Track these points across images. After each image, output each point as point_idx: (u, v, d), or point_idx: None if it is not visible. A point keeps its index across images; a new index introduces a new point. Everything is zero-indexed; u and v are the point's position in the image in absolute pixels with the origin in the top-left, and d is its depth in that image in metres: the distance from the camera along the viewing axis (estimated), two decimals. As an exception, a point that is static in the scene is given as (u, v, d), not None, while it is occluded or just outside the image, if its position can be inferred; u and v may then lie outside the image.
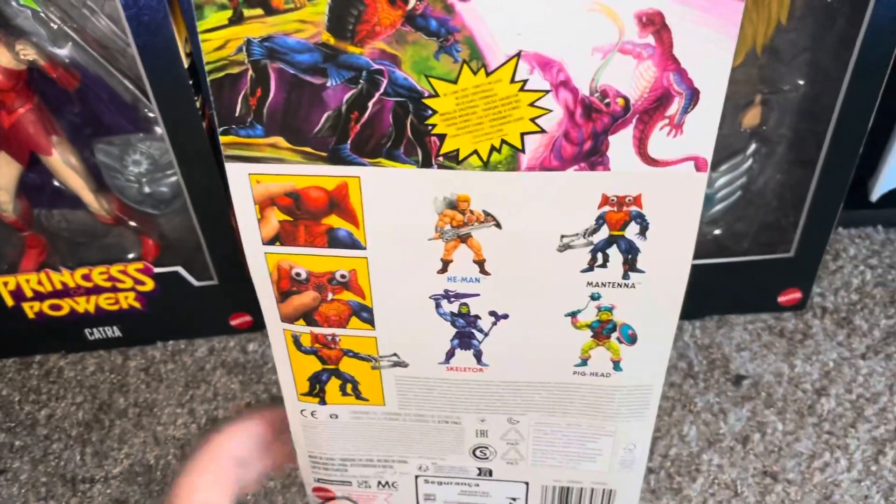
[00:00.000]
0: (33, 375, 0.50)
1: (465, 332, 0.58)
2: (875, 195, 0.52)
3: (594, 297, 0.55)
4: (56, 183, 0.46)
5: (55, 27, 0.40)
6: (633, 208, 0.50)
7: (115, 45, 0.45)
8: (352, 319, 0.58)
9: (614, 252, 0.53)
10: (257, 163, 0.50)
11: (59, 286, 0.46)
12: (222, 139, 0.49)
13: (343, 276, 0.55)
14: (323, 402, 0.65)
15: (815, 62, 0.42)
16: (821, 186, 0.46)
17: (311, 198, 0.52)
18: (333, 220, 0.53)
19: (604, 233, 0.52)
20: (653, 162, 0.48)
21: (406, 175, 0.50)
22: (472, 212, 0.51)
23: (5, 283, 0.46)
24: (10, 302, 0.46)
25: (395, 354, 0.60)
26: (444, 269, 0.54)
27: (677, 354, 0.41)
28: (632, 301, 0.55)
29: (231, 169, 0.50)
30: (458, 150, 0.48)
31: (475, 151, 0.48)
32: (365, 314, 0.57)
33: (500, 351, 0.59)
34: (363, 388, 0.63)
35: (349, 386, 0.63)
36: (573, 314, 0.56)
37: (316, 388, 0.63)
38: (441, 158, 0.49)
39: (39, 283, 0.46)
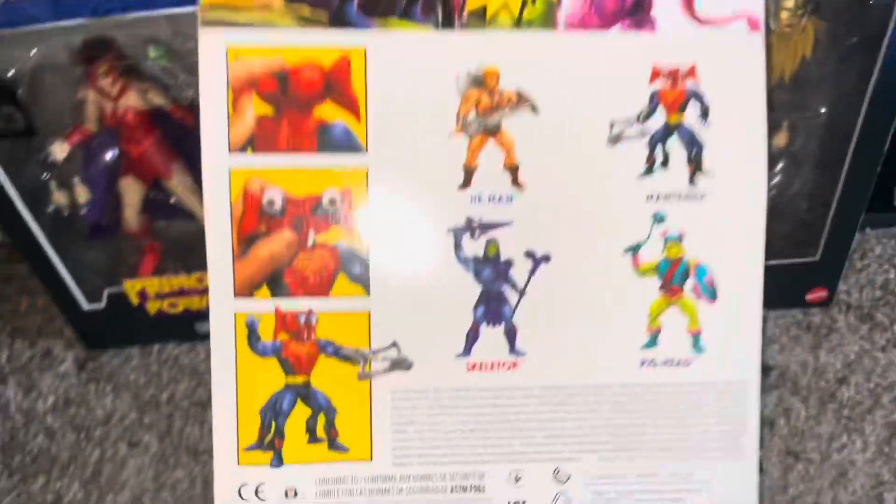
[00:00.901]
0: (154, 362, 0.54)
1: (494, 293, 0.43)
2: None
3: (658, 219, 0.43)
4: (173, 200, 0.52)
5: (180, 78, 0.47)
6: (689, 83, 0.43)
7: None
8: (338, 279, 0.42)
9: (675, 146, 0.43)
10: (240, 28, 0.41)
11: (177, 288, 0.52)
12: (202, 0, 0.41)
13: (332, 202, 0.42)
14: (278, 460, 0.43)
15: (837, 89, 0.47)
16: (844, 198, 0.50)
17: (303, 80, 0.42)
18: (328, 111, 0.42)
19: (660, 118, 0.43)
20: (702, 21, 0.43)
21: (422, 41, 0.42)
22: (501, 92, 0.42)
23: (133, 286, 0.52)
24: (135, 301, 0.51)
25: (394, 345, 0.43)
26: (467, 182, 0.42)
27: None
28: (703, 222, 0.43)
29: (205, 38, 0.41)
30: (485, 7, 0.42)
31: (505, 5, 0.42)
32: (356, 269, 0.42)
33: (541, 326, 0.43)
34: (342, 425, 0.43)
35: (321, 421, 0.43)
36: (634, 250, 0.43)
37: (270, 429, 0.43)
38: (465, 17, 0.42)
39: (161, 285, 0.52)
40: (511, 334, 0.43)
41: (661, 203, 0.43)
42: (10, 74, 0.46)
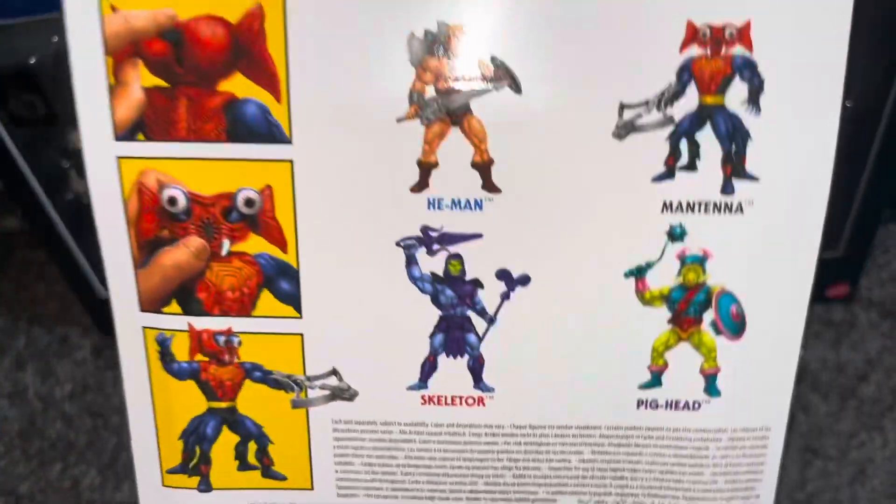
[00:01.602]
0: None
1: (456, 320, 0.34)
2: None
3: (674, 235, 0.32)
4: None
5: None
6: (738, 49, 0.30)
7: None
8: (262, 294, 0.34)
9: (708, 140, 0.31)
10: (115, -30, 0.30)
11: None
12: (59, -75, 0.29)
13: (250, 203, 0.32)
14: (205, 485, 0.37)
15: (863, 83, 0.44)
16: (867, 192, 0.48)
17: (203, 38, 0.31)
18: (237, 85, 0.31)
19: (691, 100, 0.31)
20: (769, -43, 0.29)
21: (363, -13, 0.30)
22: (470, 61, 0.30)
23: None
24: None
25: (333, 372, 0.35)
26: (423, 183, 0.32)
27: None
28: (737, 240, 0.33)
29: (70, -16, 0.30)
30: (450, -64, 0.29)
31: (479, -64, 0.29)
32: (285, 283, 0.33)
33: (514, 360, 0.34)
34: (278, 453, 0.37)
35: (252, 448, 0.37)
36: (640, 273, 0.33)
37: (194, 453, 0.37)
38: (422, -47, 0.29)
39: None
40: (476, 368, 0.35)
41: (681, 215, 0.32)
42: (31, 62, 0.42)
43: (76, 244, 0.48)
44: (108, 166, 0.32)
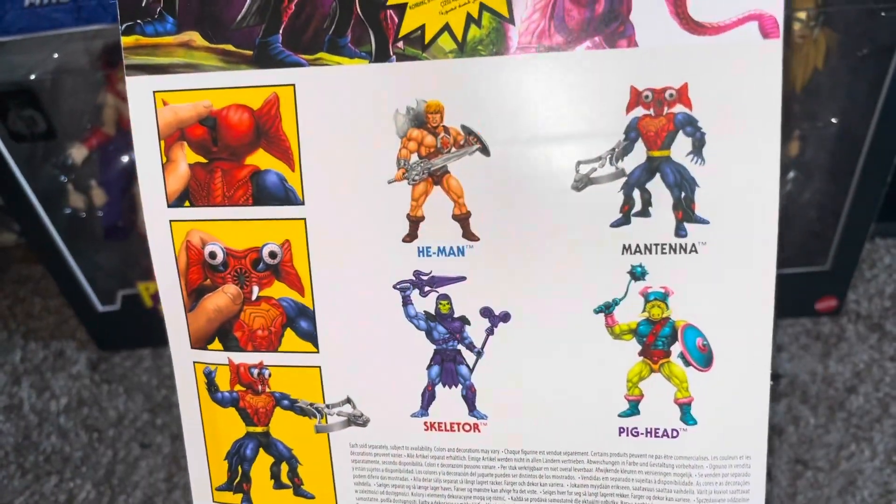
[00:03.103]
0: (166, 364, 0.55)
1: (449, 353, 0.39)
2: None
3: (636, 274, 0.36)
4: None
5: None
6: (679, 109, 0.34)
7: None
8: (286, 333, 0.40)
9: (658, 188, 0.35)
10: (165, 73, 0.38)
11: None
12: (124, 41, 0.38)
13: (273, 255, 0.39)
14: (248, 501, 0.43)
15: (849, 100, 0.48)
16: (853, 207, 0.50)
17: (232, 122, 0.38)
18: (260, 158, 0.38)
19: (640, 154, 0.35)
20: (698, 28, 0.33)
21: (355, 74, 0.36)
22: (447, 130, 0.36)
23: (147, 288, 0.52)
24: (149, 303, 0.52)
25: (348, 401, 0.40)
26: (412, 234, 0.37)
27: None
28: (695, 278, 0.36)
29: (133, 86, 0.38)
30: (423, 28, 0.35)
31: (446, 27, 0.35)
32: (304, 322, 0.40)
33: (503, 389, 0.39)
34: (306, 474, 0.42)
35: (285, 469, 0.42)
36: (608, 309, 0.37)
37: (237, 472, 0.43)
38: (401, 44, 0.36)
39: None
40: (469, 396, 0.39)
41: (641, 256, 0.36)
42: (32, 78, 0.47)
43: (73, 258, 0.51)
44: (163, 228, 0.40)
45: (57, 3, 0.45)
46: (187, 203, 0.39)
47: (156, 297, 0.54)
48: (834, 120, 0.49)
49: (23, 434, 0.51)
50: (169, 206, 0.39)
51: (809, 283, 0.53)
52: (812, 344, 0.53)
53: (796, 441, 0.48)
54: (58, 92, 0.51)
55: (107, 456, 0.50)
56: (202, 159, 0.39)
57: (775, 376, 0.50)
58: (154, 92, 0.38)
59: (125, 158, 0.55)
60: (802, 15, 0.40)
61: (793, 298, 0.53)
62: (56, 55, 0.48)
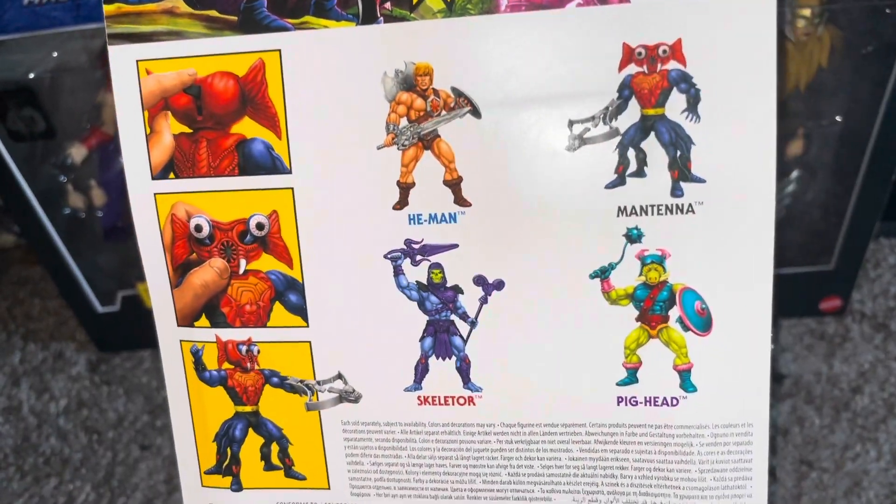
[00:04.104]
0: None
1: (442, 324, 0.38)
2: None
3: (632, 236, 0.35)
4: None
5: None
6: (673, 65, 0.34)
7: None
8: (275, 307, 0.39)
9: (653, 148, 0.35)
10: (148, 41, 0.37)
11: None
12: (106, 10, 0.37)
13: (260, 227, 0.38)
14: (237, 485, 0.42)
15: (853, 98, 0.47)
16: (858, 206, 0.49)
17: (217, 90, 0.37)
18: (246, 127, 0.37)
19: (634, 113, 0.34)
20: (691, -18, 0.33)
21: (341, 39, 0.35)
22: (436, 92, 0.35)
23: (147, 288, 0.48)
24: (149, 304, 0.48)
25: (339, 376, 0.39)
26: (402, 201, 0.37)
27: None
28: (692, 239, 0.35)
29: (115, 55, 0.37)
30: (411, -11, 0.34)
31: (434, -14, 0.34)
32: (293, 296, 0.39)
33: (498, 360, 0.38)
34: (297, 454, 0.41)
35: (275, 449, 0.41)
36: (603, 274, 0.36)
37: (226, 455, 0.42)
38: (389, 5, 0.35)
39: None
40: (464, 368, 0.38)
41: (637, 218, 0.35)
42: (31, 77, 0.47)
43: (73, 259, 0.50)
44: (147, 202, 0.39)
45: (56, 2, 0.45)
46: (172, 175, 0.38)
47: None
48: (838, 118, 0.48)
49: (22, 436, 0.50)
50: (153, 178, 0.38)
51: (813, 282, 0.52)
52: (816, 344, 0.53)
53: (801, 442, 0.48)
54: (57, 91, 0.50)
55: (106, 458, 0.50)
56: (187, 129, 0.38)
57: (779, 377, 0.50)
58: (137, 61, 0.37)
59: (125, 158, 0.55)
60: (807, 12, 0.40)
61: (797, 298, 0.53)
62: (55, 54, 0.48)
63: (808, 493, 0.45)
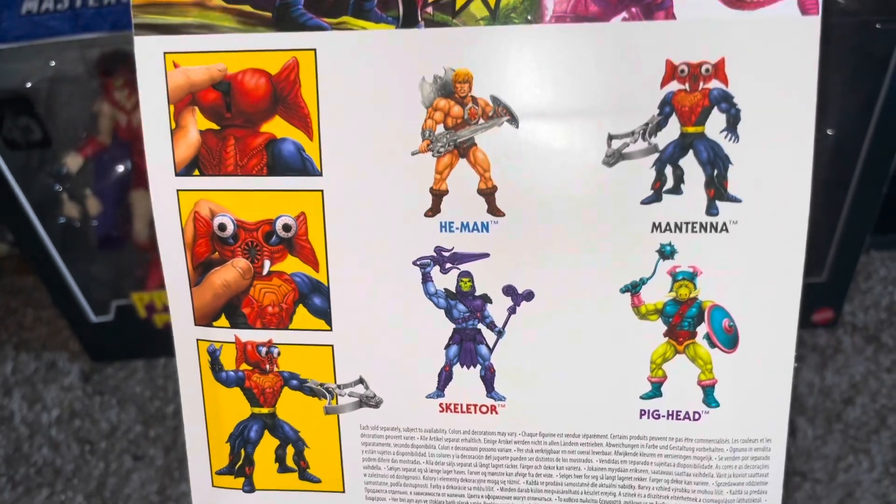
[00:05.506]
0: (159, 375, 0.54)
1: (468, 333, 0.38)
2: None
3: (665, 253, 0.35)
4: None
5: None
6: (715, 84, 0.34)
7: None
8: (298, 310, 0.38)
9: (691, 165, 0.35)
10: (177, 33, 0.36)
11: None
12: (133, -1, 0.36)
13: (287, 228, 0.37)
14: (249, 486, 0.41)
15: (844, 111, 0.47)
16: (849, 219, 0.50)
17: (248, 88, 0.36)
18: (276, 126, 0.36)
19: (673, 130, 0.34)
20: (737, 1, 0.33)
21: (381, 40, 0.35)
22: (475, 100, 0.35)
23: (141, 298, 0.52)
24: (143, 314, 0.51)
25: (361, 381, 0.39)
26: (435, 209, 0.36)
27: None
28: (724, 258, 0.35)
29: (141, 46, 0.36)
30: (454, -5, 0.34)
31: (478, -7, 0.34)
32: (317, 299, 0.38)
33: (523, 370, 0.38)
34: (313, 457, 0.41)
35: (290, 451, 0.41)
36: (634, 289, 0.36)
37: (240, 455, 0.41)
38: (430, 10, 0.34)
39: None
40: (488, 378, 0.38)
41: (671, 235, 0.35)
42: (28, 86, 0.46)
43: (67, 268, 0.50)
44: (169, 198, 0.38)
45: (54, 11, 0.44)
46: (196, 172, 0.37)
47: (150, 308, 0.52)
48: (829, 132, 0.48)
49: (14, 446, 0.50)
50: (177, 174, 0.37)
51: (806, 294, 0.54)
52: (808, 355, 0.53)
53: (794, 453, 0.48)
54: (54, 100, 0.49)
55: (99, 468, 0.49)
56: (214, 126, 0.37)
57: None
58: (165, 53, 0.36)
59: (120, 168, 0.54)
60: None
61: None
62: (52, 63, 0.47)
63: (802, 504, 0.46)
